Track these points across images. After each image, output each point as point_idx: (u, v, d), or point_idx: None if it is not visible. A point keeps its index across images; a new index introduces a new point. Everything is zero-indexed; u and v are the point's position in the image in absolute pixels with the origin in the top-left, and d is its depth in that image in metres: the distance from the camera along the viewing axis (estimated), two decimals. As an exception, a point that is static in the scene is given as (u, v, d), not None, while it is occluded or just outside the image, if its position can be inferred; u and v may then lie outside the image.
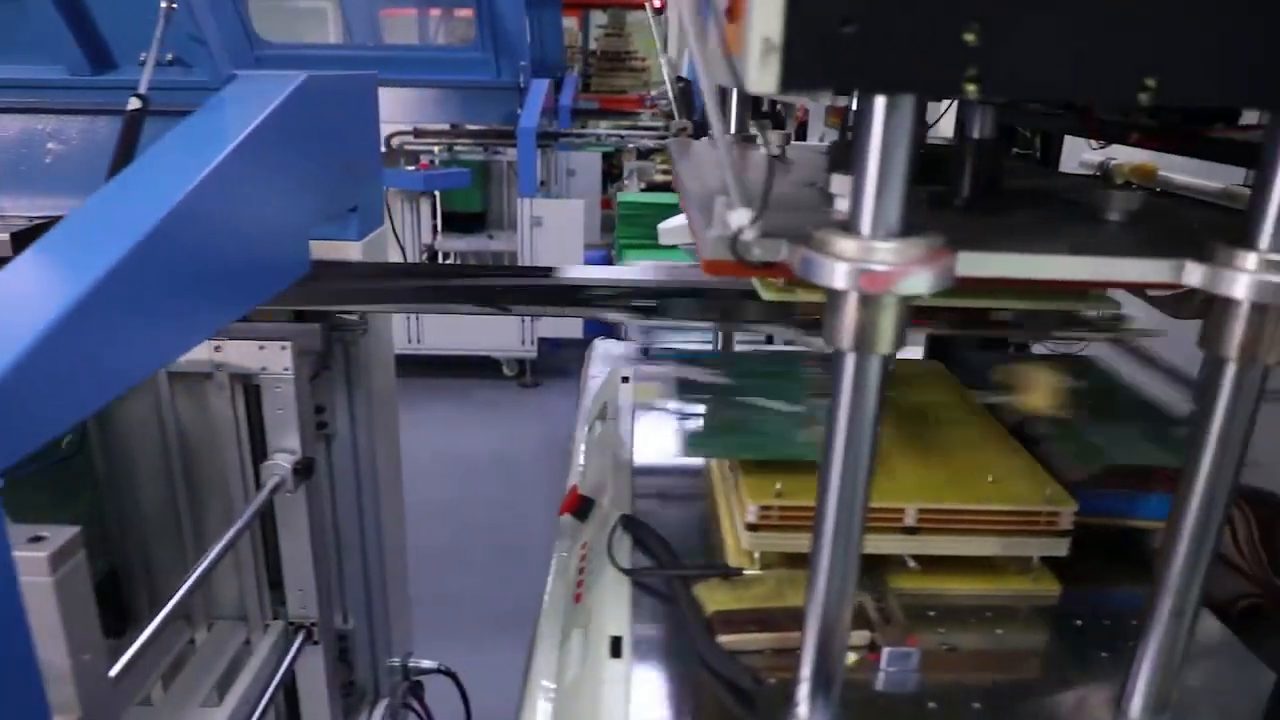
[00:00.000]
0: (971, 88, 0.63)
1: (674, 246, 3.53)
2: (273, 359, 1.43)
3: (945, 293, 0.68)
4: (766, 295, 0.97)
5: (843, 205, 0.78)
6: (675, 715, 0.87)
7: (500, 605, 3.29)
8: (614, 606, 1.02)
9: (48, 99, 1.36)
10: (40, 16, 1.30)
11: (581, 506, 1.31)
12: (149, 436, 1.52)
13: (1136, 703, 0.86)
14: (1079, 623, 1.02)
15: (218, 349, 1.43)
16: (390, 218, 4.84)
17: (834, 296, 0.70)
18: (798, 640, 0.94)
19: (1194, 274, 0.73)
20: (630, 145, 5.17)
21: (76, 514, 1.59)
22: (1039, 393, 1.18)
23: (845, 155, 1.04)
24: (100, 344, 0.86)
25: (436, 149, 4.66)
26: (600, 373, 2.03)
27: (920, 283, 0.66)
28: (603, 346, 2.22)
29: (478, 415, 4.74)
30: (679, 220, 2.79)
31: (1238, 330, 0.72)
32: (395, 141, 4.78)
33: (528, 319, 4.65)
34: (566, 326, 4.84)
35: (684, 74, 1.24)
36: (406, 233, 4.82)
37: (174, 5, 1.21)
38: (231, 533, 1.32)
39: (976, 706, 0.88)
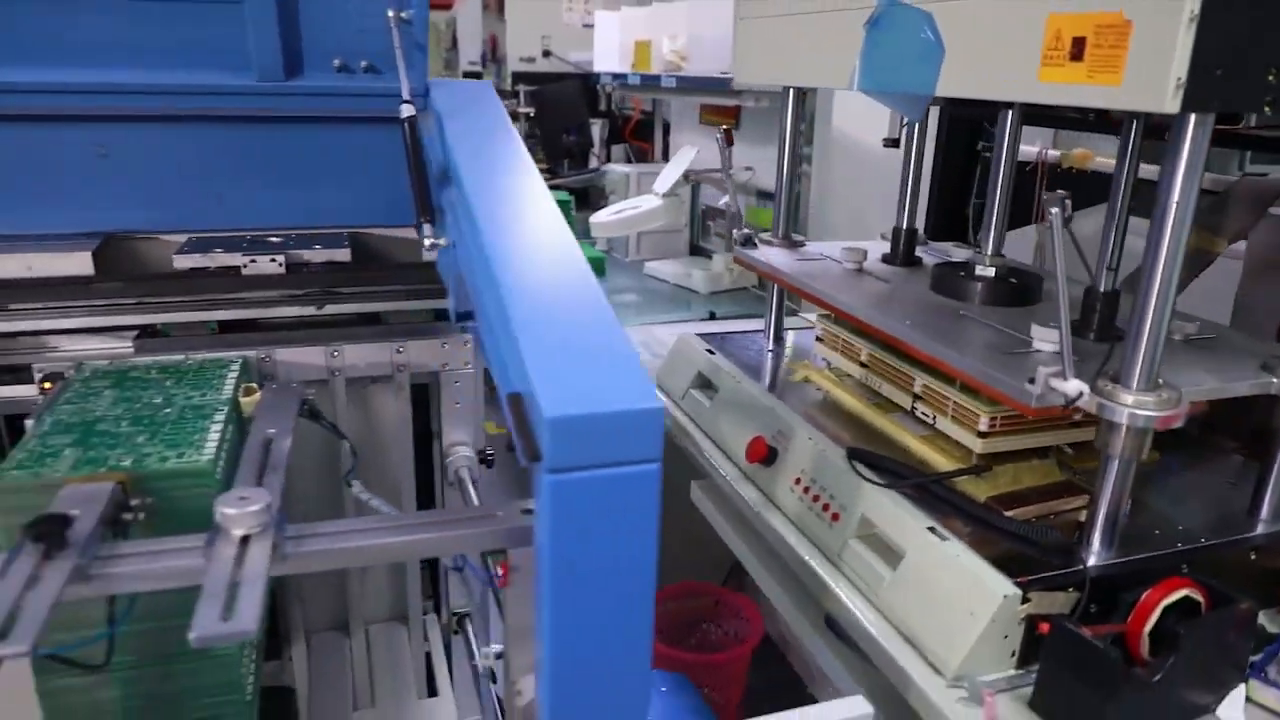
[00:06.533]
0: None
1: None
2: (454, 354, 1.49)
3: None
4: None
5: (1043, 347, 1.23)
6: (1003, 569, 1.15)
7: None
8: (897, 510, 1.28)
9: (224, 105, 1.31)
10: (230, 20, 1.26)
11: (769, 454, 1.53)
12: (310, 444, 1.49)
13: None
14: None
15: (399, 350, 1.46)
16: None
17: (1115, 426, 1.09)
18: (1053, 508, 1.28)
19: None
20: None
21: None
22: None
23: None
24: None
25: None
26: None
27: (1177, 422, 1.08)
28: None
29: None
30: (605, 215, 3.01)
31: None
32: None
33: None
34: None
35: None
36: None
37: (406, 16, 1.26)
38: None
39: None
